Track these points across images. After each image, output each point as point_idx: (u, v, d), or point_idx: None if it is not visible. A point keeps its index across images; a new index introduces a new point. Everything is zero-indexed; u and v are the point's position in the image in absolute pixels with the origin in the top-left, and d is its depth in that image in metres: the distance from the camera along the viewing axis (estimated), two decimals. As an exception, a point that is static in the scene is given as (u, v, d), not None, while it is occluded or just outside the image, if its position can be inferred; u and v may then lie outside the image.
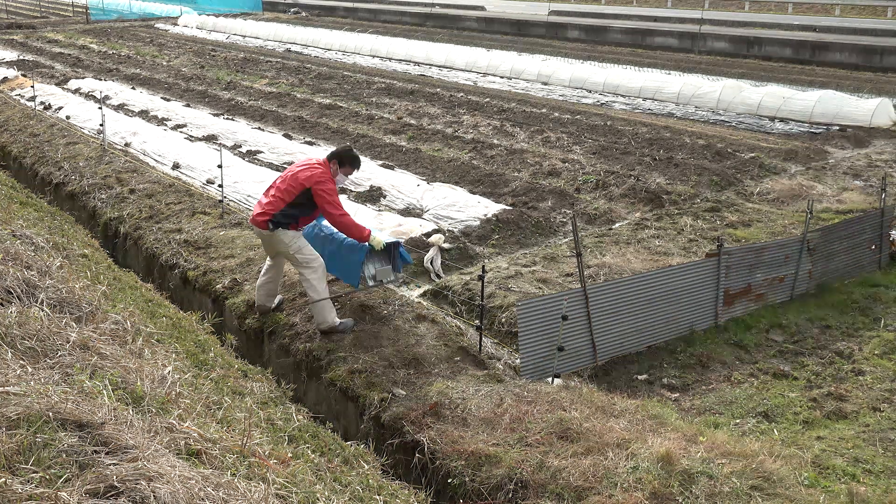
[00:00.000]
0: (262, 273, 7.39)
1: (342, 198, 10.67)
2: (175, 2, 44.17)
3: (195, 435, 3.28)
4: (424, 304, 7.76)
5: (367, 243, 6.77)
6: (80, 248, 7.77)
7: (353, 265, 6.94)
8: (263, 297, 7.41)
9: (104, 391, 3.39)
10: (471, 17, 35.27)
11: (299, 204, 6.66)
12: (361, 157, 12.88)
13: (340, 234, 6.99)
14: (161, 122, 16.03)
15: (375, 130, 15.30)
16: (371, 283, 7.05)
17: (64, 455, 2.75)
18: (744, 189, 11.41)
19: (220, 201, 10.31)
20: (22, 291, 4.33)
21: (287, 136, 14.84)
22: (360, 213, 9.76)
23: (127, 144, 13.98)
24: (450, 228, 9.52)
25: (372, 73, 22.50)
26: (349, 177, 7.10)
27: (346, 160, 6.83)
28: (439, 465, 5.20)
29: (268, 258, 7.29)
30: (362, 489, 4.15)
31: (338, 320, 6.90)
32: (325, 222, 7.25)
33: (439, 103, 17.60)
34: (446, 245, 8.86)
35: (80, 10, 43.10)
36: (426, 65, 24.49)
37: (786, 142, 14.26)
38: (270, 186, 6.87)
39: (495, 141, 14.15)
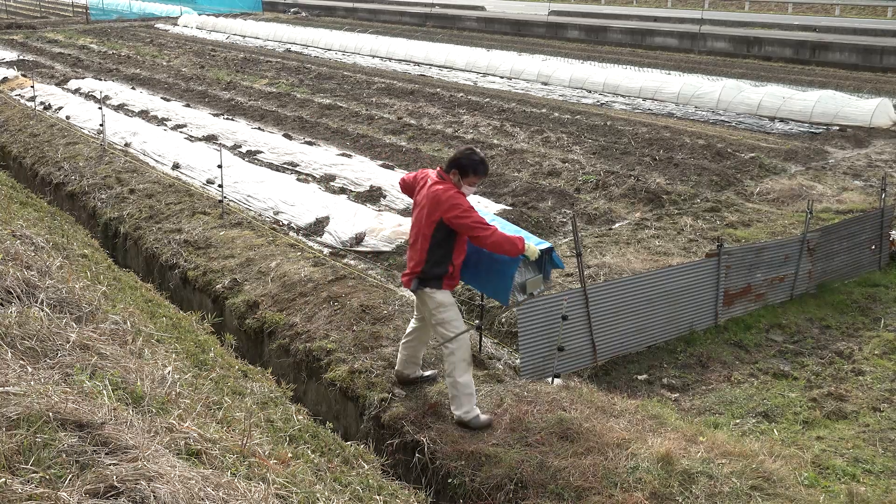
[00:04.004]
0: (406, 331, 6.03)
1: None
2: (175, 2, 44.17)
3: (195, 435, 3.28)
4: (424, 304, 7.76)
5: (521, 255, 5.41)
6: (80, 248, 7.77)
7: (501, 278, 5.53)
8: (403, 362, 6.02)
9: (104, 391, 3.40)
10: (471, 18, 35.27)
11: (441, 241, 5.30)
12: (362, 157, 13.02)
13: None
14: (161, 122, 16.03)
15: (375, 130, 15.30)
16: (521, 297, 5.64)
17: (64, 455, 2.75)
18: (744, 189, 11.41)
19: (220, 201, 10.31)
20: (22, 291, 4.33)
21: (287, 136, 14.84)
22: (360, 214, 9.77)
23: (127, 144, 13.98)
24: (450, 228, 9.51)
25: (372, 74, 22.51)
26: (474, 187, 5.48)
27: (468, 168, 5.30)
28: (439, 465, 5.20)
29: (415, 313, 5.94)
30: (362, 489, 4.15)
31: (481, 416, 5.52)
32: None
33: (439, 103, 17.61)
34: (446, 245, 8.85)
35: (80, 10, 43.10)
36: (426, 65, 24.50)
37: (786, 142, 14.27)
38: (412, 234, 5.55)
39: (495, 141, 14.15)
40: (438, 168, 5.44)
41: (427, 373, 6.12)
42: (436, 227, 5.24)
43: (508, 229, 5.53)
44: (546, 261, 5.65)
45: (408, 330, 5.98)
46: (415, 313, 5.93)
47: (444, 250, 5.31)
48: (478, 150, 5.47)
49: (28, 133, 14.95)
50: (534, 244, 5.42)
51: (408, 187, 5.73)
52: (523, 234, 5.53)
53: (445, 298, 5.44)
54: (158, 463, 2.78)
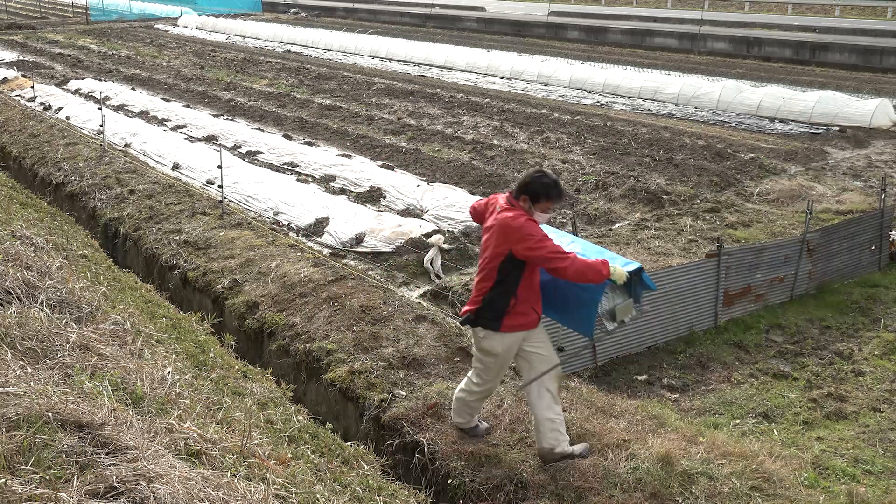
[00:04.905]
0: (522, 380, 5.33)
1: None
2: (175, 2, 44.17)
3: (195, 435, 3.28)
4: (424, 304, 7.76)
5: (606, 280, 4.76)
6: (80, 248, 7.77)
7: (585, 308, 4.90)
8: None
9: (104, 392, 3.40)
10: (470, 18, 35.27)
11: (506, 277, 4.78)
12: (362, 158, 13.02)
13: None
14: (161, 122, 16.03)
15: (375, 131, 15.30)
16: (610, 325, 4.96)
17: (64, 455, 2.75)
18: (743, 189, 11.41)
19: (220, 202, 10.31)
20: (22, 292, 4.33)
21: (287, 136, 14.84)
22: (359, 214, 9.77)
23: (127, 145, 13.98)
24: (450, 229, 9.52)
25: (372, 74, 22.51)
26: (548, 213, 4.90)
27: (539, 193, 4.73)
28: (439, 466, 5.20)
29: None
30: (362, 490, 4.15)
31: (479, 426, 5.40)
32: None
33: (439, 104, 17.61)
34: (446, 245, 8.86)
35: (80, 10, 43.10)
36: (426, 65, 24.49)
37: (786, 142, 14.27)
38: (479, 264, 5.00)
39: (495, 141, 14.15)
40: (507, 193, 4.89)
41: (577, 448, 5.09)
42: (504, 258, 4.73)
43: (590, 251, 4.93)
44: (635, 283, 4.95)
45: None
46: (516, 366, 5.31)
47: (510, 283, 4.80)
48: (549, 171, 4.90)
49: (28, 133, 14.95)
50: (620, 266, 4.79)
51: (478, 215, 5.23)
52: (607, 254, 4.98)
53: (495, 346, 4.88)
54: (158, 463, 2.78)
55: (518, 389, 5.00)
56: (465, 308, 4.99)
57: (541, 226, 4.78)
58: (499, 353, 4.91)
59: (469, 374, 5.28)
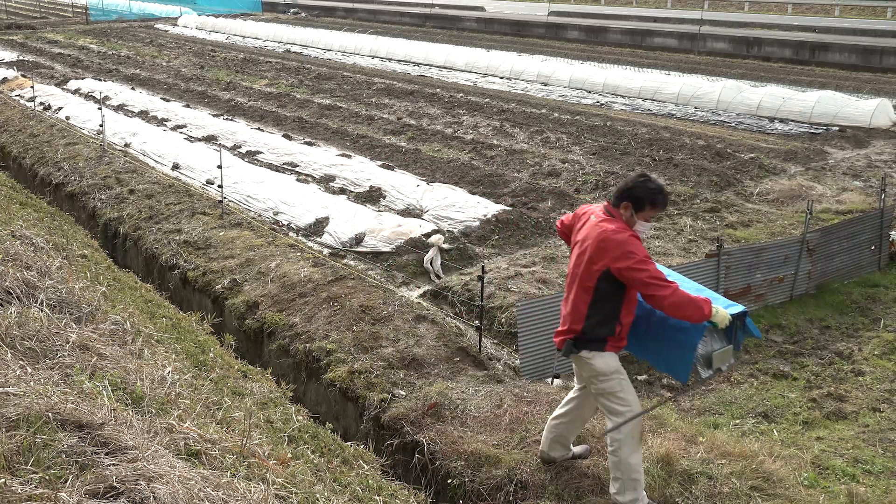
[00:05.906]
0: (561, 405, 4.90)
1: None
2: (175, 2, 44.16)
3: (195, 435, 3.28)
4: (424, 304, 7.76)
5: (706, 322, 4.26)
6: (80, 248, 7.77)
7: (681, 349, 4.42)
8: (549, 443, 4.88)
9: (104, 392, 3.40)
10: (470, 18, 35.28)
11: (606, 295, 4.30)
12: (362, 158, 13.02)
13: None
14: (161, 122, 16.03)
15: (375, 131, 15.30)
16: (705, 373, 4.43)
17: (64, 455, 2.75)
18: (743, 189, 11.41)
19: (220, 202, 10.32)
20: (21, 292, 4.33)
21: (287, 136, 14.84)
22: (359, 214, 9.77)
23: (126, 145, 13.99)
24: (449, 229, 9.52)
25: (371, 74, 22.50)
26: (650, 223, 4.51)
27: (644, 199, 4.28)
28: (439, 466, 5.20)
29: (574, 379, 4.86)
30: (362, 490, 4.15)
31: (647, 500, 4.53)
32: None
33: (439, 104, 17.61)
34: (446, 245, 8.86)
35: (80, 10, 43.10)
36: (426, 65, 24.50)
37: (785, 142, 14.27)
38: (567, 283, 4.53)
39: (495, 141, 14.15)
40: (605, 202, 4.42)
41: (578, 449, 4.97)
42: (600, 276, 4.23)
43: (688, 288, 4.41)
44: (737, 327, 4.45)
45: (562, 402, 4.85)
46: (574, 379, 4.81)
47: (611, 307, 4.31)
48: (653, 176, 4.44)
49: (28, 133, 14.95)
50: (723, 307, 4.32)
51: (565, 229, 4.75)
52: (707, 293, 4.49)
53: (606, 365, 4.37)
54: (158, 463, 2.78)
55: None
56: (560, 337, 4.49)
57: None
58: (616, 366, 4.42)
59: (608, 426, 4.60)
